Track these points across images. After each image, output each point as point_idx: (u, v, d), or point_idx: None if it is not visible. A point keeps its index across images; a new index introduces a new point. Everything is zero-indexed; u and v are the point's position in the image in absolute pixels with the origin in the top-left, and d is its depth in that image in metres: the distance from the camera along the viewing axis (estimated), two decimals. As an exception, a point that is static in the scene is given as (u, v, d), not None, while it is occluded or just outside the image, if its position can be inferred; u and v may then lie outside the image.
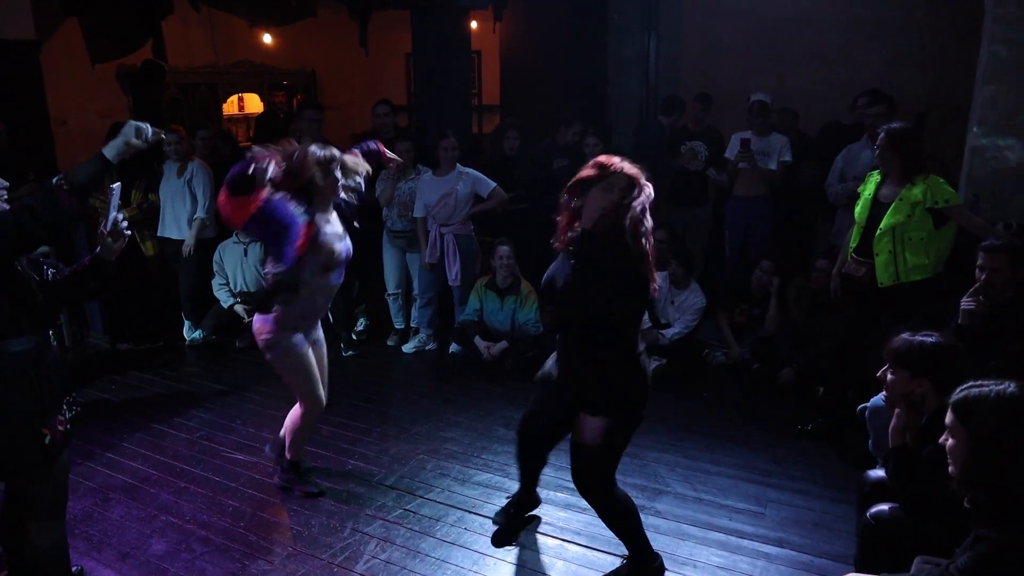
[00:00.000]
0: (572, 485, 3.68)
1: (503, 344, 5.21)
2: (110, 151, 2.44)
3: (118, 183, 2.61)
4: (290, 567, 3.12)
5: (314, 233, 3.17)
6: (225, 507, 3.59)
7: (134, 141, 2.47)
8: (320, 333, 3.63)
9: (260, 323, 3.33)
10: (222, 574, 3.07)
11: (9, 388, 2.37)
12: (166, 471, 3.95)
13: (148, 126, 2.51)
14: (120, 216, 2.55)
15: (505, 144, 6.16)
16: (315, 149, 3.24)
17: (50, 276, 2.33)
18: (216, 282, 5.79)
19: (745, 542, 3.23)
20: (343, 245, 3.37)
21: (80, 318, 6.07)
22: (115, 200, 2.53)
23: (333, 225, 3.34)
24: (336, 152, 3.32)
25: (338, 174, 3.30)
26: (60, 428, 2.48)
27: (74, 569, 3.02)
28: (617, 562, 3.09)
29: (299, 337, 3.38)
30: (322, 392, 3.54)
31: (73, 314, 6.00)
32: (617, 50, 7.37)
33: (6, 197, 2.41)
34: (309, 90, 9.74)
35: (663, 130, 6.35)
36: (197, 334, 5.98)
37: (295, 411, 3.57)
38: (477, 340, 5.24)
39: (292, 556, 3.19)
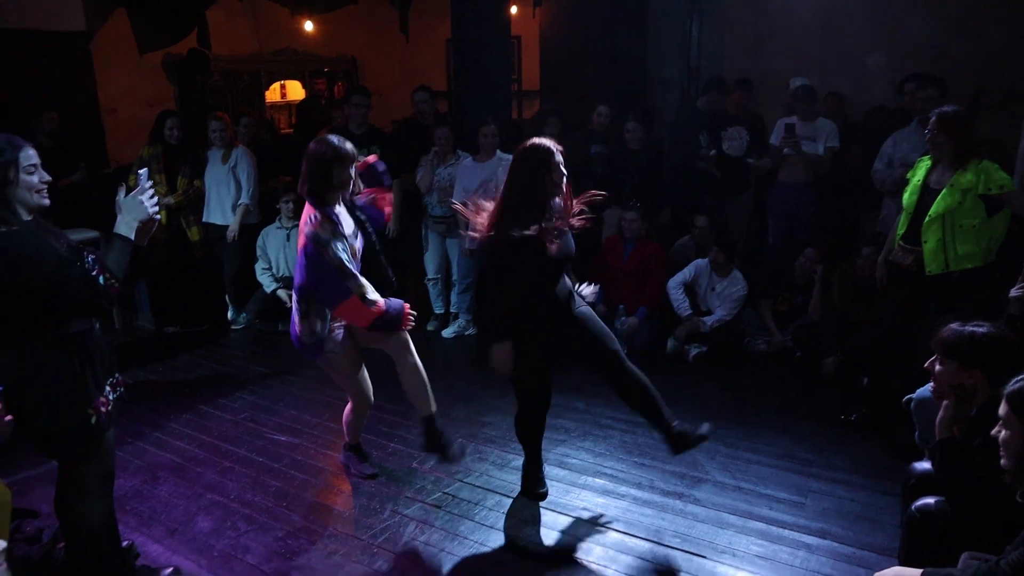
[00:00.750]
0: (611, 472, 3.72)
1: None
2: (127, 230, 2.51)
3: (144, 169, 2.68)
4: (331, 546, 3.18)
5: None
6: (268, 487, 3.67)
7: (143, 216, 2.55)
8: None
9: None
10: (265, 552, 3.15)
11: (58, 372, 2.44)
12: (211, 451, 4.05)
13: (143, 190, 2.57)
14: (144, 193, 2.58)
15: (546, 131, 6.12)
16: (337, 141, 3.19)
17: (90, 262, 2.40)
18: (259, 267, 5.87)
19: (785, 532, 3.20)
20: (358, 243, 3.33)
21: (129, 302, 6.23)
22: (143, 184, 2.57)
23: (345, 223, 3.27)
24: (354, 150, 3.27)
25: (352, 172, 3.25)
26: (103, 409, 2.55)
27: (124, 544, 3.11)
28: (657, 549, 3.09)
29: (338, 336, 3.38)
30: (369, 387, 3.62)
31: (123, 298, 6.16)
32: (659, 33, 7.27)
33: (46, 192, 2.47)
34: (350, 77, 9.81)
35: (698, 115, 6.26)
36: (241, 318, 6.10)
37: (348, 409, 3.70)
38: None
39: (333, 536, 3.25)
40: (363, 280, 3.18)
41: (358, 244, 3.32)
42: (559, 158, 3.17)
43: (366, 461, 3.78)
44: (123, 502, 3.55)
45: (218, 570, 3.03)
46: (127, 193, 2.55)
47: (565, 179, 3.20)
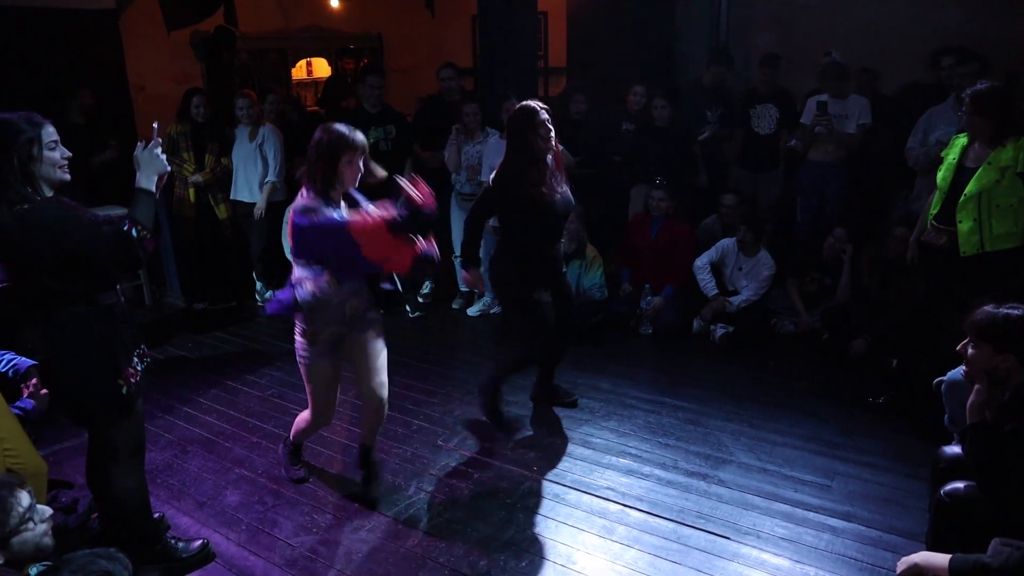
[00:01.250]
0: (635, 451, 3.72)
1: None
2: (149, 183, 2.58)
3: (157, 122, 2.75)
4: (356, 522, 3.22)
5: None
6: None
7: (161, 169, 2.61)
8: (371, 315, 3.29)
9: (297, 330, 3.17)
10: (292, 526, 3.20)
11: (89, 343, 2.52)
12: (239, 426, 4.11)
13: (156, 147, 2.62)
14: (159, 146, 2.63)
15: (572, 108, 6.07)
16: (346, 130, 3.02)
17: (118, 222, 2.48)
18: (287, 245, 5.87)
19: (811, 514, 3.18)
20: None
21: (159, 279, 6.32)
22: (157, 138, 2.65)
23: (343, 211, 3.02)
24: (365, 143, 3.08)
25: (361, 164, 3.06)
26: (132, 379, 2.63)
27: (156, 515, 3.18)
28: (680, 529, 3.09)
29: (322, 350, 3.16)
30: (331, 410, 3.38)
31: (152, 275, 6.25)
32: (686, 9, 7.14)
33: (67, 167, 2.52)
34: (375, 54, 9.78)
35: (703, 89, 6.17)
36: (269, 295, 6.16)
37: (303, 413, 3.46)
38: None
39: (358, 512, 3.29)
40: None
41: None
42: (543, 116, 3.43)
43: (299, 464, 3.61)
44: (154, 475, 3.63)
45: (246, 544, 3.09)
46: (145, 147, 2.61)
47: (552, 135, 3.48)
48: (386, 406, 3.32)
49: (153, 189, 2.58)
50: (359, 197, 3.15)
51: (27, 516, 2.06)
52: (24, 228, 2.33)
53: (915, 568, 2.27)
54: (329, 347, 3.18)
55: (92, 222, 2.46)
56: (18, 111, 2.41)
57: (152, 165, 2.59)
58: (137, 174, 2.59)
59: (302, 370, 3.23)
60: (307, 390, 3.30)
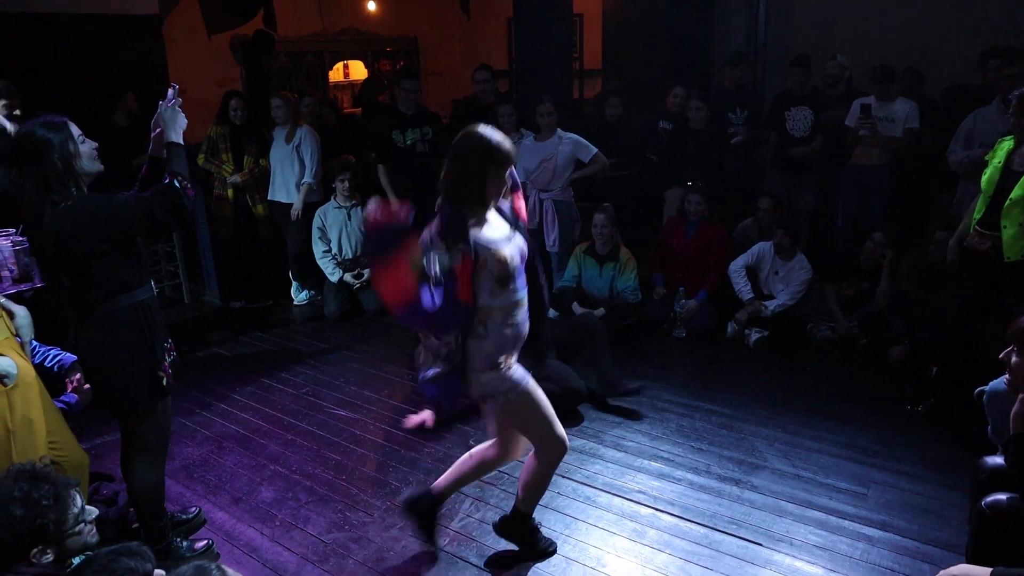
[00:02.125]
0: (668, 455, 3.69)
1: (600, 311, 5.19)
2: (177, 136, 2.71)
3: (176, 85, 2.83)
4: (388, 520, 3.25)
5: (471, 258, 2.45)
6: (328, 460, 3.76)
7: (184, 124, 2.76)
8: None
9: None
10: (325, 523, 3.23)
11: (131, 338, 2.61)
12: (274, 423, 4.18)
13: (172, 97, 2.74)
14: (168, 103, 2.74)
15: (607, 111, 6.06)
16: (497, 137, 2.53)
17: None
18: (319, 250, 5.86)
19: (846, 523, 3.13)
20: (513, 247, 2.57)
21: (197, 277, 6.44)
22: (170, 96, 2.77)
23: (493, 227, 2.57)
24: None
25: (508, 177, 2.59)
26: (170, 371, 2.74)
27: (193, 510, 3.25)
28: (712, 534, 3.06)
29: (517, 373, 2.64)
30: (561, 428, 2.76)
31: (191, 274, 6.37)
32: (725, 9, 7.08)
33: (97, 156, 2.62)
34: (411, 56, 9.86)
35: (725, 92, 6.13)
36: (304, 295, 6.24)
37: (529, 461, 2.86)
38: (575, 307, 5.23)
39: (390, 510, 3.32)
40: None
41: (514, 247, 2.58)
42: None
43: (542, 541, 3.01)
44: (191, 470, 3.70)
45: (280, 539, 3.14)
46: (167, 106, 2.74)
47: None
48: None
49: (181, 142, 2.70)
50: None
51: (80, 518, 2.11)
52: (75, 217, 2.44)
53: None
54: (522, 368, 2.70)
55: (130, 194, 2.60)
56: (43, 116, 2.52)
57: (176, 121, 2.72)
58: (164, 131, 2.71)
59: (514, 410, 2.67)
60: (531, 428, 2.75)
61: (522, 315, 2.65)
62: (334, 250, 5.91)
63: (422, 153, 5.59)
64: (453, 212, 2.49)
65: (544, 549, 2.99)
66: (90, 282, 2.53)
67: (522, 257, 2.64)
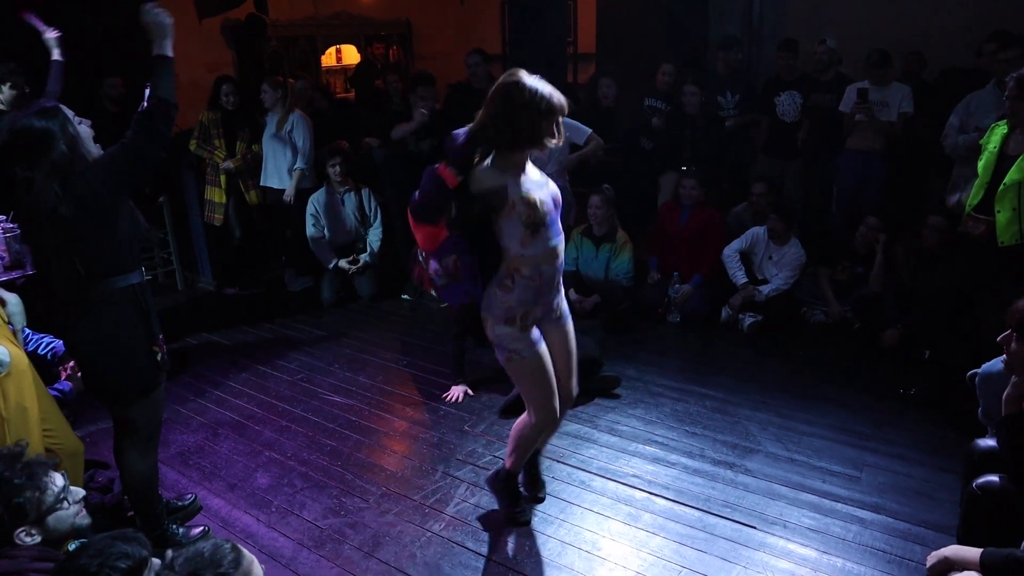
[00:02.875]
0: (662, 439, 3.71)
1: (595, 298, 5.19)
2: (166, 49, 2.61)
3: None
4: (384, 505, 3.26)
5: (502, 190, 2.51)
6: (323, 446, 3.77)
7: (166, 20, 2.63)
8: (563, 305, 2.87)
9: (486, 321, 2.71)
10: (320, 509, 3.24)
11: (127, 313, 2.60)
12: (269, 410, 4.17)
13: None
14: (162, 10, 2.64)
15: (600, 94, 6.03)
16: (537, 83, 2.47)
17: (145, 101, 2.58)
18: (312, 236, 5.82)
19: (839, 505, 3.15)
20: (546, 192, 2.63)
21: (191, 264, 6.42)
22: (157, 10, 2.65)
23: (527, 174, 2.60)
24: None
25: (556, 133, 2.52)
26: (163, 348, 2.73)
27: (189, 497, 3.25)
28: (706, 518, 3.08)
29: (530, 336, 2.67)
30: (557, 403, 2.81)
31: (184, 260, 6.34)
32: (719, -7, 7.06)
33: (92, 135, 2.61)
34: (404, 40, 9.79)
35: (717, 77, 6.11)
36: (298, 280, 6.22)
37: (522, 418, 2.90)
38: (571, 294, 5.23)
39: (386, 496, 3.33)
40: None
41: (547, 193, 2.64)
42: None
43: (521, 506, 3.08)
44: (186, 456, 3.70)
45: (276, 525, 3.14)
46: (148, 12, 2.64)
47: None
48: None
49: (171, 54, 2.60)
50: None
51: (61, 496, 2.11)
52: (91, 178, 2.44)
53: (945, 562, 2.24)
54: (538, 332, 2.73)
55: (115, 145, 2.53)
56: (34, 105, 2.50)
57: (162, 29, 2.61)
58: (154, 43, 2.61)
59: (515, 368, 2.72)
60: (527, 391, 2.79)
61: (553, 266, 2.66)
62: (328, 236, 5.87)
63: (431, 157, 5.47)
64: (466, 141, 2.52)
65: (514, 516, 3.05)
66: (87, 262, 2.51)
67: (556, 205, 2.66)
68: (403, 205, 5.76)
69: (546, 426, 2.87)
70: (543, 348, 2.72)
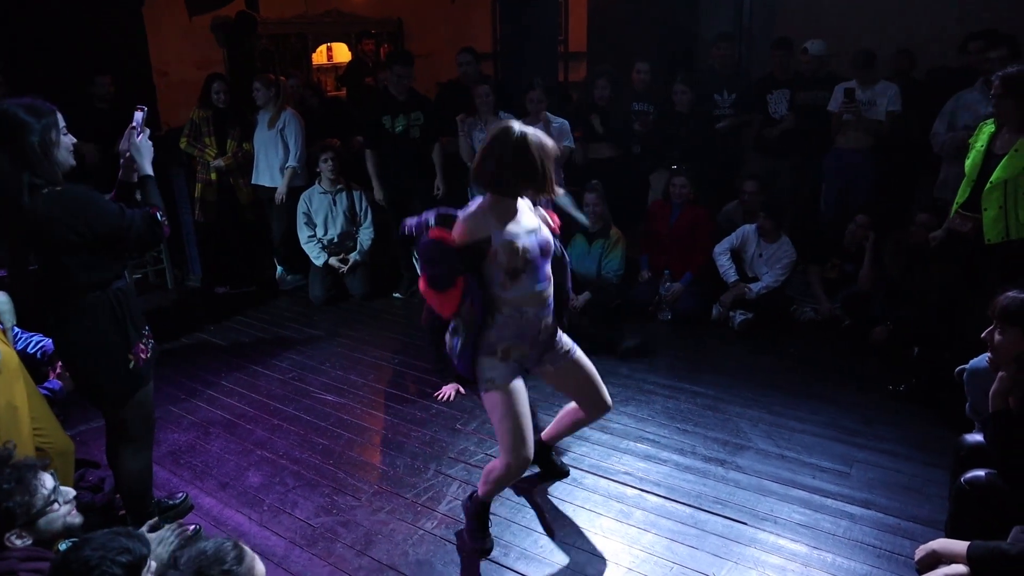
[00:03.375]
0: (653, 437, 3.72)
1: (586, 295, 5.19)
2: (150, 169, 2.73)
3: (144, 108, 2.79)
4: (376, 503, 3.26)
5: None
6: (315, 445, 3.76)
7: (152, 153, 2.75)
8: (566, 344, 2.91)
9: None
10: (312, 507, 3.24)
11: (99, 317, 2.59)
12: (261, 409, 4.17)
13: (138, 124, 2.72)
14: (138, 131, 2.71)
15: (596, 94, 6.03)
16: (533, 133, 2.51)
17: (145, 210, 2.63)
18: (304, 235, 5.81)
19: (829, 501, 3.17)
20: (533, 239, 2.61)
21: (181, 263, 6.39)
22: (139, 120, 2.73)
23: (519, 218, 2.61)
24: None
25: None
26: (143, 355, 2.72)
27: (180, 496, 3.25)
28: (697, 514, 3.10)
29: (508, 368, 2.69)
30: (529, 451, 2.69)
31: (174, 259, 6.32)
32: (710, -8, 7.08)
33: (72, 149, 2.57)
34: (395, 38, 9.78)
35: (714, 74, 6.12)
36: (289, 279, 6.21)
37: (495, 460, 2.83)
38: None
39: (378, 494, 3.33)
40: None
41: (534, 240, 2.62)
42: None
43: (486, 533, 2.95)
44: (178, 456, 3.70)
45: (268, 524, 3.14)
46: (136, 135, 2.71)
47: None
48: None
49: (152, 173, 2.72)
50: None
51: (52, 498, 2.11)
52: (61, 208, 2.40)
53: (933, 554, 2.27)
54: (518, 368, 2.74)
55: (120, 205, 2.57)
56: (26, 98, 2.46)
57: (148, 152, 2.72)
58: (139, 163, 2.69)
59: (489, 399, 2.69)
60: (498, 429, 2.71)
61: (539, 307, 2.68)
62: (320, 234, 5.87)
63: (414, 139, 5.54)
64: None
65: (478, 545, 2.91)
66: (61, 273, 2.50)
67: (544, 251, 2.66)
68: (400, 196, 5.67)
69: (518, 472, 2.76)
70: (519, 386, 2.70)
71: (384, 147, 5.59)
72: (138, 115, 2.72)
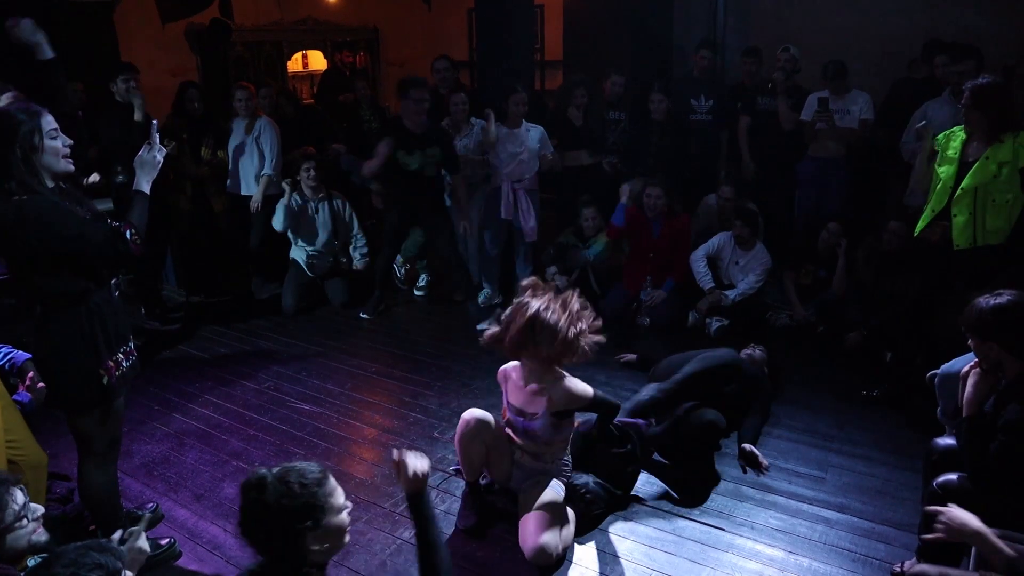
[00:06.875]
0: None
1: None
2: (147, 186, 2.63)
3: (155, 120, 2.77)
4: (353, 514, 3.19)
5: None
6: (292, 455, 3.72)
7: (156, 172, 2.66)
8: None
9: None
10: (290, 518, 3.20)
11: (70, 329, 2.52)
12: (236, 419, 4.12)
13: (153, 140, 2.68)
14: (159, 148, 2.67)
15: (573, 102, 6.05)
16: (555, 316, 2.79)
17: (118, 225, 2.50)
18: (280, 223, 5.62)
19: (805, 506, 3.20)
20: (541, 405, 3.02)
21: (155, 272, 6.30)
22: (154, 134, 2.69)
23: (566, 383, 2.99)
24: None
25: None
26: (114, 372, 2.64)
27: (150, 507, 3.20)
28: (675, 520, 3.10)
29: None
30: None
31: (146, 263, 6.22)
32: (684, 2, 7.14)
33: (70, 156, 2.52)
34: (372, 47, 9.76)
35: (693, 80, 6.18)
36: (265, 288, 6.15)
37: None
38: (552, 274, 5.58)
39: (355, 504, 3.28)
40: None
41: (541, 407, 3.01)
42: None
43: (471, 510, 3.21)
44: (151, 467, 3.64)
45: (244, 535, 3.09)
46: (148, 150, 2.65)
47: None
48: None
49: (148, 192, 2.63)
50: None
51: (21, 514, 2.06)
52: (19, 218, 2.33)
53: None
54: None
55: (84, 219, 2.45)
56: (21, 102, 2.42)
57: (153, 168, 2.64)
58: (137, 176, 2.62)
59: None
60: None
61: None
62: (303, 243, 5.80)
63: (430, 178, 5.24)
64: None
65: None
66: (38, 281, 2.45)
67: (531, 429, 3.02)
68: (404, 223, 5.63)
69: None
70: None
71: (396, 185, 5.31)
72: (153, 129, 2.68)
